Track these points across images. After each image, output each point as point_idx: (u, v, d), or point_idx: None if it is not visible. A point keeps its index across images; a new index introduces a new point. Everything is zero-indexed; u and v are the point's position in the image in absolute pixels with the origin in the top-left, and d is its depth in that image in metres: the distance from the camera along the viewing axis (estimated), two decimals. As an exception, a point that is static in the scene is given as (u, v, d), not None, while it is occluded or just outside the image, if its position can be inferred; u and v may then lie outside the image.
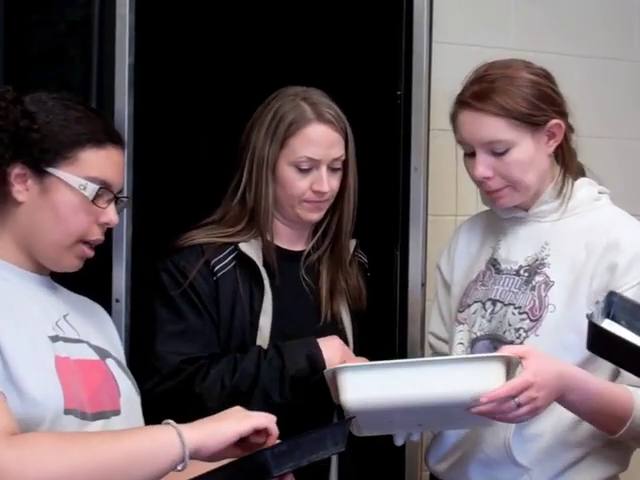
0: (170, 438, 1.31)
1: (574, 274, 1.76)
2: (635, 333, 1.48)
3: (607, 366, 1.74)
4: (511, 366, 1.59)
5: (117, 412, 1.47)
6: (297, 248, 2.02)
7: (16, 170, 1.43)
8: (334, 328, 1.99)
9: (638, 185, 2.63)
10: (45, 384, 1.37)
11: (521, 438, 1.75)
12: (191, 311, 1.88)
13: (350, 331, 2.03)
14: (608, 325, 1.49)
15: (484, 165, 1.77)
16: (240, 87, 2.26)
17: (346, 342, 1.99)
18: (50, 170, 1.44)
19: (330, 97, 1.99)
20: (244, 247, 1.92)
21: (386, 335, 2.32)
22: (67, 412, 1.38)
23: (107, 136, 1.50)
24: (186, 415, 1.71)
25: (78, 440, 1.30)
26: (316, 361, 1.85)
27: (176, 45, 2.22)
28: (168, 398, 1.84)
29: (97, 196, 1.47)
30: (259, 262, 1.93)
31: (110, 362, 1.52)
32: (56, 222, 1.45)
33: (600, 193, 1.86)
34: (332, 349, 1.88)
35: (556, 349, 1.72)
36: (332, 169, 1.94)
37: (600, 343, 1.47)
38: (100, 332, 1.57)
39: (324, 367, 1.82)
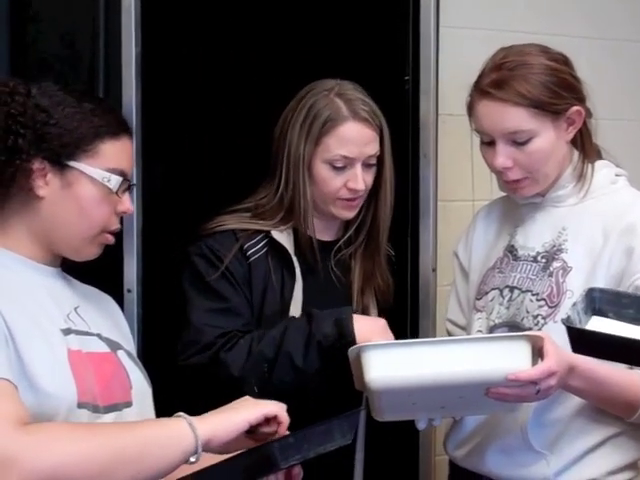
0: (182, 429, 1.31)
1: (591, 259, 1.75)
2: (626, 322, 1.47)
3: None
4: (535, 348, 1.58)
5: (129, 404, 1.47)
6: (326, 238, 2.01)
7: (36, 165, 1.42)
8: None
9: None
10: (58, 378, 1.37)
11: (538, 424, 1.74)
12: (231, 292, 1.88)
13: None
14: (596, 321, 1.49)
15: (504, 155, 1.75)
16: (248, 74, 2.25)
17: None
18: (72, 164, 1.43)
19: (323, 78, 1.96)
20: (276, 235, 1.92)
21: (398, 320, 2.31)
22: (80, 406, 1.38)
23: (121, 127, 1.50)
24: (216, 387, 1.76)
25: (93, 429, 1.31)
26: (344, 328, 1.81)
27: (183, 35, 2.21)
28: (199, 370, 1.83)
29: (119, 187, 1.48)
30: (291, 250, 1.92)
31: (121, 354, 1.52)
32: (80, 215, 1.45)
33: (617, 175, 1.84)
34: (366, 322, 1.85)
35: None
36: (367, 165, 1.93)
37: (583, 344, 1.46)
38: (111, 323, 1.57)
39: (352, 335, 1.79)
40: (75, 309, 1.49)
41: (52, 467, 1.21)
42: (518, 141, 1.74)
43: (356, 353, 1.61)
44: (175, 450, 1.30)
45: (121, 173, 1.48)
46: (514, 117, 1.72)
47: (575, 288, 1.74)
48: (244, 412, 1.37)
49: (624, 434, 1.75)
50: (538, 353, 1.58)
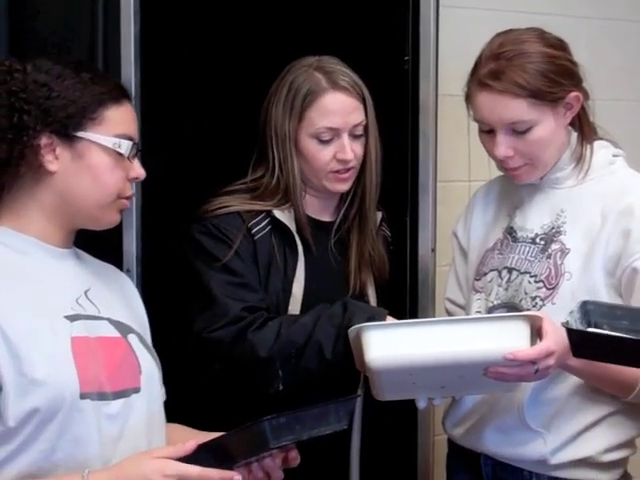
0: None
1: (589, 241, 1.75)
2: (621, 333, 1.48)
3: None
4: (534, 328, 1.59)
5: (137, 389, 1.47)
6: (326, 218, 2.01)
7: (43, 140, 1.41)
8: (361, 299, 1.99)
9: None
10: (58, 371, 1.36)
11: (535, 403, 1.76)
12: (244, 268, 1.88)
13: (374, 302, 2.03)
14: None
15: (505, 145, 1.76)
16: (248, 54, 2.25)
17: None
18: (80, 134, 1.43)
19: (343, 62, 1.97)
20: (278, 214, 1.93)
21: (397, 300, 2.32)
22: (83, 396, 1.38)
23: (121, 92, 1.50)
24: (235, 367, 1.78)
25: None
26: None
27: (182, 14, 2.20)
28: (220, 345, 1.83)
29: (129, 152, 1.48)
30: (293, 229, 1.93)
31: (132, 338, 1.52)
32: (95, 184, 1.45)
33: (615, 156, 1.84)
34: None
35: None
36: (354, 136, 1.93)
37: (586, 347, 1.48)
38: (124, 305, 1.56)
39: None
40: (85, 292, 1.49)
41: None
42: (518, 130, 1.75)
43: (356, 333, 1.62)
44: None
45: (129, 138, 1.48)
46: (514, 108, 1.72)
47: (573, 270, 1.75)
48: None
49: (620, 413, 1.76)
50: (537, 333, 1.59)
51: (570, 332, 1.46)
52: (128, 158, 1.47)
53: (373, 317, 1.81)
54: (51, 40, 2.05)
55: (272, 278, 1.90)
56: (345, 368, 1.82)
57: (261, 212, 1.91)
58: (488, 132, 1.79)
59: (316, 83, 1.90)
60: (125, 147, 1.46)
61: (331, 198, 2.01)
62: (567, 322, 1.47)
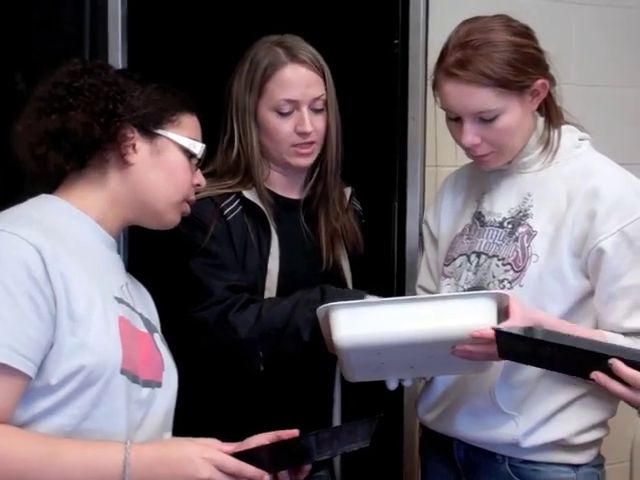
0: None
1: (556, 223, 1.75)
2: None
3: (591, 314, 1.75)
4: (501, 307, 1.59)
5: (159, 384, 1.50)
6: (294, 196, 2.02)
7: (128, 132, 1.48)
8: (336, 274, 2.01)
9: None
10: (108, 340, 1.40)
11: (506, 386, 1.76)
12: (221, 251, 1.90)
13: (349, 276, 2.04)
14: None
15: (472, 133, 1.76)
16: (235, 37, 2.25)
17: (345, 287, 2.01)
18: (160, 132, 1.51)
19: (312, 43, 1.97)
20: (247, 194, 1.94)
21: (384, 285, 2.32)
22: (123, 372, 1.41)
23: (192, 104, 1.59)
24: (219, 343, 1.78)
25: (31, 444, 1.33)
26: None
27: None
28: (206, 324, 1.85)
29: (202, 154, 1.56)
30: (264, 207, 1.94)
31: (156, 337, 1.56)
32: (169, 180, 1.52)
33: (581, 140, 1.84)
34: None
35: (540, 299, 1.73)
36: (314, 110, 1.93)
37: (511, 349, 1.52)
38: (146, 306, 1.61)
39: None
40: (126, 284, 1.54)
41: None
42: (485, 119, 1.75)
43: (324, 313, 1.62)
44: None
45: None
46: (480, 98, 1.72)
47: (540, 252, 1.75)
48: None
49: (591, 394, 1.76)
50: (504, 312, 1.59)
51: (497, 333, 1.50)
52: (199, 161, 1.56)
53: None
54: (36, 23, 2.07)
55: (248, 257, 1.91)
56: (324, 351, 1.81)
57: (231, 194, 1.93)
58: (455, 120, 1.79)
59: (275, 56, 1.91)
60: (199, 149, 1.55)
61: (297, 175, 2.01)
62: (499, 329, 1.51)
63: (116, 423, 1.40)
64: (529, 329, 1.57)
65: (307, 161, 1.96)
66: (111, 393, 1.39)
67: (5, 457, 1.29)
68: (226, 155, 1.96)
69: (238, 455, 1.41)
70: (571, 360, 1.47)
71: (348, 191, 2.07)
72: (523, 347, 1.51)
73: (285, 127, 1.92)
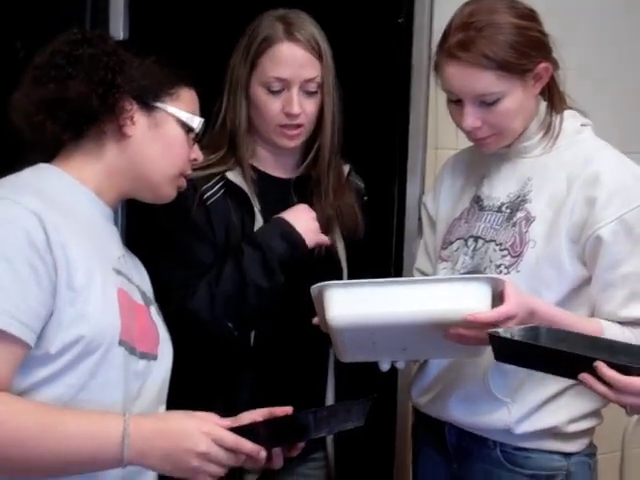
0: (115, 455, 1.33)
1: (554, 208, 1.74)
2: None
3: (587, 302, 1.74)
4: (497, 291, 1.57)
5: (155, 357, 1.50)
6: (284, 175, 2.00)
7: (126, 104, 1.47)
8: (330, 257, 1.98)
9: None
10: (106, 311, 1.40)
11: (500, 372, 1.75)
12: (195, 243, 1.88)
13: (345, 261, 2.01)
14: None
15: (473, 116, 1.74)
16: (240, 12, 2.22)
17: (341, 272, 2.00)
18: (159, 105, 1.50)
19: (314, 19, 1.94)
20: (231, 175, 1.92)
21: (382, 268, 2.31)
22: (121, 343, 1.41)
23: (192, 79, 1.57)
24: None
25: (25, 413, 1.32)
26: (293, 238, 1.86)
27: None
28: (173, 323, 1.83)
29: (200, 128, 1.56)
30: (247, 189, 1.92)
31: (152, 309, 1.56)
32: (166, 153, 1.52)
33: (583, 125, 1.82)
34: (301, 221, 1.89)
35: (537, 285, 1.71)
36: (307, 92, 1.90)
37: (505, 352, 1.51)
38: (142, 280, 1.60)
39: (303, 242, 1.86)
40: (123, 256, 1.53)
41: None
42: (486, 102, 1.73)
43: (318, 291, 1.61)
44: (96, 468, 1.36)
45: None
46: (482, 80, 1.70)
47: (538, 238, 1.73)
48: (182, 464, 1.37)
49: (585, 383, 1.74)
50: (499, 297, 1.57)
51: (491, 338, 1.50)
52: (196, 135, 1.54)
53: (284, 231, 1.85)
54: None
55: (231, 238, 1.89)
56: (285, 279, 1.87)
57: (214, 175, 1.90)
58: (456, 102, 1.77)
59: (273, 31, 1.88)
60: (197, 123, 1.54)
61: (285, 155, 1.98)
62: (495, 330, 1.50)
63: (113, 394, 1.40)
64: (533, 328, 1.56)
65: (293, 143, 1.93)
66: (109, 364, 1.39)
67: (5, 425, 1.28)
68: (213, 128, 1.93)
69: (235, 430, 1.41)
70: (559, 363, 1.48)
71: (346, 168, 2.04)
72: (515, 351, 1.51)
73: (273, 106, 1.89)
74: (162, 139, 1.51)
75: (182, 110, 1.52)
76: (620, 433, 2.77)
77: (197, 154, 1.59)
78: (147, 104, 1.50)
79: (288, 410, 1.59)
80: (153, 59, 1.53)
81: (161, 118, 1.51)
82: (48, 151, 1.49)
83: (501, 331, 1.51)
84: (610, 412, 1.84)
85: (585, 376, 1.45)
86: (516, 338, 1.51)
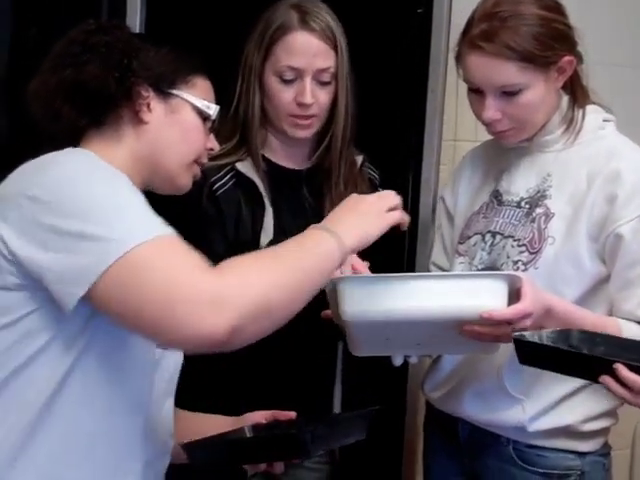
0: (334, 255, 1.38)
1: (574, 205, 1.72)
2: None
3: (606, 300, 1.72)
4: (513, 288, 1.55)
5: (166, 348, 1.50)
6: (295, 166, 1.98)
7: (142, 90, 1.47)
8: None
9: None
10: None
11: (515, 369, 1.72)
12: (202, 230, 1.86)
13: (356, 253, 1.99)
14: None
15: (494, 108, 1.72)
16: (256, 2, 2.21)
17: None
18: (175, 92, 1.50)
19: (331, 9, 1.91)
20: (241, 167, 1.90)
21: (394, 260, 2.29)
22: None
23: (206, 70, 1.57)
24: None
25: (275, 258, 1.35)
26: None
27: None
28: None
29: (212, 120, 1.55)
30: (257, 180, 1.90)
31: None
32: (183, 140, 1.51)
33: (605, 121, 1.79)
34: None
35: (555, 282, 1.69)
36: (320, 82, 1.88)
37: (531, 357, 1.50)
38: None
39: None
40: None
41: (255, 300, 1.25)
42: (508, 93, 1.71)
43: (332, 285, 1.59)
44: (327, 275, 1.39)
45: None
46: (504, 72, 1.68)
47: (557, 234, 1.71)
48: (377, 223, 1.44)
49: (601, 382, 1.73)
50: (516, 294, 1.55)
51: (516, 342, 1.48)
52: (213, 123, 1.54)
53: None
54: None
55: (241, 231, 1.88)
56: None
57: (224, 166, 1.88)
58: (477, 93, 1.75)
59: (288, 20, 1.86)
60: (213, 110, 1.53)
61: (297, 145, 1.96)
62: (521, 334, 1.49)
63: (146, 366, 1.43)
64: (564, 331, 1.54)
65: (305, 133, 1.91)
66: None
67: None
68: (227, 116, 1.91)
69: (234, 443, 1.44)
70: (580, 365, 1.48)
71: (360, 158, 2.01)
72: (539, 355, 1.49)
73: (285, 95, 1.87)
74: (179, 125, 1.50)
75: (198, 98, 1.52)
76: (631, 431, 2.75)
77: (213, 144, 1.58)
78: (163, 91, 1.49)
79: (291, 415, 1.61)
80: (169, 48, 1.52)
81: (177, 105, 1.50)
82: (68, 141, 1.47)
83: (527, 334, 1.49)
84: (620, 410, 1.83)
85: (605, 378, 1.43)
86: (544, 341, 1.49)
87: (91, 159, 1.37)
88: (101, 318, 1.30)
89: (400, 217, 1.48)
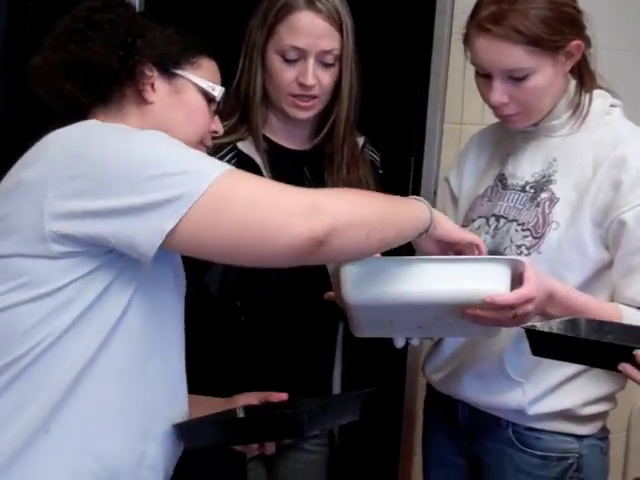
0: (423, 212, 1.49)
1: (579, 191, 1.72)
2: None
3: (608, 286, 1.72)
4: (516, 273, 1.55)
5: None
6: (296, 146, 1.96)
7: (146, 70, 1.47)
8: None
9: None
10: None
11: (516, 352, 1.74)
12: None
13: None
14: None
15: (501, 91, 1.71)
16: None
17: None
18: (180, 72, 1.50)
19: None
20: (242, 146, 1.89)
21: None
22: None
23: (212, 51, 1.56)
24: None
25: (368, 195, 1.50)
26: None
27: None
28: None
29: (217, 102, 1.55)
30: (259, 160, 1.90)
31: None
32: (188, 120, 1.51)
33: (612, 106, 1.79)
34: None
35: (558, 267, 1.70)
36: (323, 63, 1.86)
37: (544, 347, 1.50)
38: None
39: None
40: None
41: (348, 209, 1.35)
42: (515, 77, 1.70)
43: (335, 268, 1.59)
44: (415, 226, 1.48)
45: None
46: (512, 55, 1.68)
47: (561, 219, 1.72)
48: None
49: (601, 367, 1.73)
50: (519, 279, 1.56)
51: (527, 332, 1.48)
52: (218, 105, 1.53)
53: None
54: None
55: None
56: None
57: (225, 145, 1.87)
58: (484, 77, 1.74)
59: None
60: (218, 91, 1.53)
61: (298, 126, 1.95)
62: (532, 325, 1.49)
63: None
64: (572, 321, 1.54)
65: (305, 114, 1.90)
66: None
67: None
68: (228, 93, 1.91)
69: (230, 423, 1.44)
70: (599, 354, 1.47)
71: (361, 140, 2.00)
72: (553, 345, 1.49)
73: (287, 74, 1.85)
74: (183, 106, 1.50)
75: (203, 79, 1.51)
76: (626, 414, 2.77)
77: (218, 126, 1.57)
78: (167, 71, 1.48)
79: (283, 396, 1.61)
80: (174, 29, 1.52)
81: (182, 85, 1.50)
82: (72, 119, 1.45)
83: (538, 325, 1.49)
84: (617, 394, 1.84)
85: (625, 366, 1.43)
86: (555, 331, 1.49)
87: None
88: (145, 285, 1.35)
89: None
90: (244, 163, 1.87)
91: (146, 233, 1.28)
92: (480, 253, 1.58)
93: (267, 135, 1.94)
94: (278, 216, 1.29)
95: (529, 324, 1.49)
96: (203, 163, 1.33)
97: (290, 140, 1.96)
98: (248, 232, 1.29)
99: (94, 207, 1.28)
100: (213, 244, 1.31)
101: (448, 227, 1.55)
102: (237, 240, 1.29)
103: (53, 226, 1.29)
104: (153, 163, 1.30)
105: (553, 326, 1.51)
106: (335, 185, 1.92)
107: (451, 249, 1.58)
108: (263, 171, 1.89)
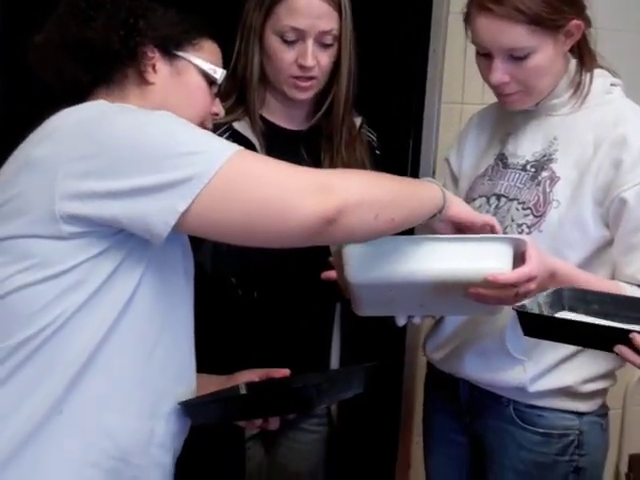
0: (436, 194, 1.50)
1: (580, 169, 1.73)
2: (593, 316, 1.54)
3: (609, 263, 1.73)
4: (518, 252, 1.56)
5: None
6: (294, 127, 1.96)
7: (148, 51, 1.46)
8: None
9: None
10: None
11: (517, 330, 1.72)
12: None
13: None
14: (566, 315, 1.54)
15: (502, 71, 1.72)
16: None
17: None
18: (181, 54, 1.50)
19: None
20: (238, 126, 1.89)
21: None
22: None
23: (213, 34, 1.56)
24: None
25: (379, 177, 1.47)
26: None
27: None
28: None
29: (218, 84, 1.55)
30: (254, 140, 1.89)
31: None
32: (189, 101, 1.51)
33: (613, 85, 1.80)
34: None
35: (559, 245, 1.71)
36: (322, 44, 1.86)
37: (533, 328, 1.52)
38: None
39: None
40: None
41: (360, 192, 1.36)
42: (516, 56, 1.71)
43: (337, 248, 1.60)
44: (428, 207, 1.49)
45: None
46: (513, 34, 1.68)
47: (562, 198, 1.73)
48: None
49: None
50: (521, 258, 1.56)
51: (518, 314, 1.49)
52: (219, 87, 1.54)
53: None
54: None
55: None
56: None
57: (221, 125, 1.86)
58: (485, 56, 1.75)
59: None
60: (220, 74, 1.53)
61: (296, 106, 1.94)
62: (522, 305, 1.50)
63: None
64: (558, 291, 1.54)
65: (304, 95, 1.89)
66: None
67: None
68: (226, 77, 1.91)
69: (235, 399, 1.44)
70: (593, 336, 1.48)
71: (358, 120, 2.00)
72: (546, 327, 1.50)
73: (287, 56, 1.85)
74: (184, 87, 1.50)
75: (204, 61, 1.51)
76: (622, 391, 2.79)
77: (219, 108, 1.57)
78: (169, 52, 1.48)
79: (286, 372, 1.62)
80: (176, 11, 1.51)
81: (183, 67, 1.50)
82: (73, 99, 1.45)
83: (527, 303, 1.50)
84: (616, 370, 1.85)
85: (621, 348, 1.44)
86: (543, 309, 1.50)
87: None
88: (155, 266, 1.35)
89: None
90: (240, 143, 1.84)
91: (159, 214, 1.28)
92: (496, 233, 1.58)
93: (264, 116, 1.93)
94: (289, 195, 1.30)
95: (519, 304, 1.50)
96: (213, 143, 1.34)
97: (288, 120, 1.95)
98: (260, 211, 1.30)
99: (106, 188, 1.28)
100: (225, 224, 1.31)
101: (461, 209, 1.55)
102: (249, 220, 1.30)
103: (65, 206, 1.29)
104: (164, 143, 1.30)
105: (540, 300, 1.51)
106: (333, 166, 1.92)
107: (465, 231, 1.57)
108: (259, 151, 1.88)
